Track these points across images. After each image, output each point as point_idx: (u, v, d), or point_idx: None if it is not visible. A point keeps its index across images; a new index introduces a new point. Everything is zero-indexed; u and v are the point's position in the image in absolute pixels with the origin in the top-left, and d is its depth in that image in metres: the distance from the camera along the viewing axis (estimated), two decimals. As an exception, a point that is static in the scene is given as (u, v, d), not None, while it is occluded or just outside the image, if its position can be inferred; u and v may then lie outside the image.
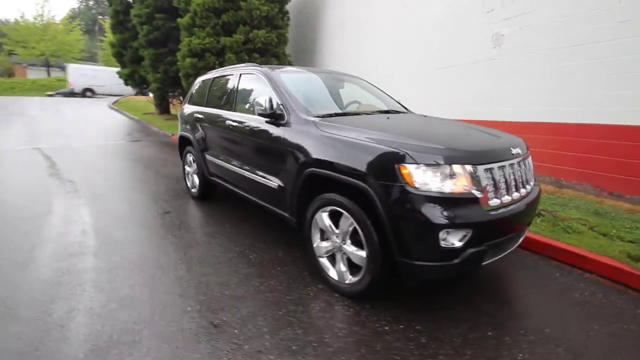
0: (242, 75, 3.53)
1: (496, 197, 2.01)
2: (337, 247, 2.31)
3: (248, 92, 3.33)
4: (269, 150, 2.85)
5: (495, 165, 2.02)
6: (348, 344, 1.88)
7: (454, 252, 1.88)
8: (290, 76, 3.17)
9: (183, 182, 5.24)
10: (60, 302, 2.20)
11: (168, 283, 2.47)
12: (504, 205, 2.04)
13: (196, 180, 4.41)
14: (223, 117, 3.58)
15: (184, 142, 4.68)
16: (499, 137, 2.39)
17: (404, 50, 7.16)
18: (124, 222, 3.61)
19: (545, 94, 4.80)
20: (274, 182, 2.82)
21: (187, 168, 4.65)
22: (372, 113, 3.08)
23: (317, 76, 3.50)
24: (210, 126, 3.85)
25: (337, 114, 2.79)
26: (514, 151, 2.20)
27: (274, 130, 2.78)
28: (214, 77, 4.11)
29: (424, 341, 1.90)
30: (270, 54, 11.68)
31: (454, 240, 1.86)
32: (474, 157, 1.97)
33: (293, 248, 3.08)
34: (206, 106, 4.09)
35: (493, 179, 2.01)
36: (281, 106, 2.76)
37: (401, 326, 2.03)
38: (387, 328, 2.01)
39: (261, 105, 2.77)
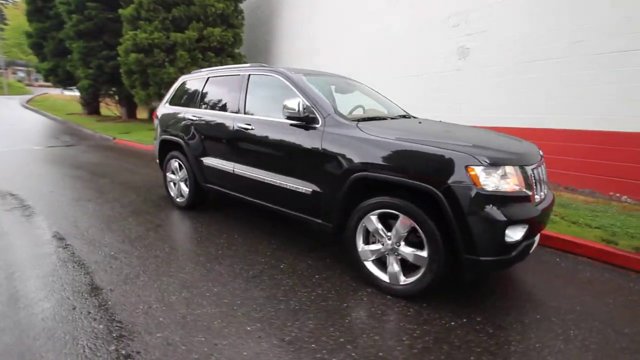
0: (251, 77, 3.35)
1: (537, 195, 2.25)
2: (389, 249, 2.35)
3: (264, 95, 3.17)
4: (300, 155, 2.75)
5: (534, 166, 2.27)
6: (428, 343, 1.93)
7: (513, 246, 2.06)
8: (309, 79, 3.11)
9: (153, 191, 4.78)
10: None
11: (213, 304, 2.24)
12: (540, 202, 2.29)
13: (184, 188, 4.04)
14: (230, 121, 3.34)
15: (166, 147, 4.25)
16: (523, 142, 2.67)
17: (380, 58, 7.46)
18: (117, 244, 3.14)
19: (508, 101, 5.45)
20: (306, 188, 2.73)
21: (171, 176, 4.23)
22: (397, 117, 3.17)
23: (328, 79, 3.48)
24: (210, 130, 3.55)
25: (367, 119, 2.83)
26: (541, 153, 2.49)
27: (307, 135, 2.70)
28: (209, 77, 3.81)
29: (491, 331, 2.04)
30: (226, 53, 11.21)
31: (515, 235, 2.04)
32: (523, 159, 2.18)
33: (319, 253, 3.02)
34: (200, 108, 3.78)
35: (534, 178, 2.24)
36: (313, 110, 2.70)
37: (464, 320, 2.14)
38: (453, 323, 2.10)
39: (291, 109, 2.68)
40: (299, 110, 2.64)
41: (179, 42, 10.11)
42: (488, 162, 2.02)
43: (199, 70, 4.24)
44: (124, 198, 4.56)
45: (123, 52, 10.27)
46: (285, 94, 2.93)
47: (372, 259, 2.45)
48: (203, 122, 3.66)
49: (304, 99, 2.72)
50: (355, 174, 2.39)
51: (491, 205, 1.99)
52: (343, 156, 2.47)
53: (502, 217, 1.99)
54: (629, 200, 4.40)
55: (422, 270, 2.22)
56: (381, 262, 2.47)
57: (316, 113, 2.69)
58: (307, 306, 2.25)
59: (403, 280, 2.32)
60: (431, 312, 2.21)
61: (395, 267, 2.34)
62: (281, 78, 3.07)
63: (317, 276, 2.65)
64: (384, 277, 2.41)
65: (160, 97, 10.95)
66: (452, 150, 2.09)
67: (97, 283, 2.44)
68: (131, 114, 14.66)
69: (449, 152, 2.09)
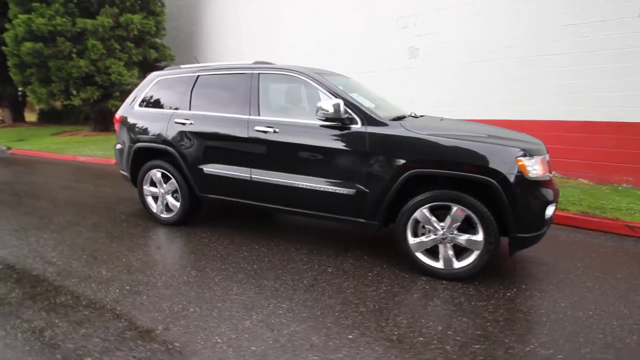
0: (261, 76, 3.11)
1: (550, 177, 2.73)
2: (442, 238, 2.54)
3: (283, 95, 2.99)
4: (341, 157, 2.73)
5: (547, 155, 2.72)
6: (504, 314, 2.17)
7: (547, 222, 2.46)
8: (333, 79, 3.05)
9: (115, 209, 4.15)
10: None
11: (295, 321, 2.09)
12: None
13: (173, 202, 3.56)
14: (243, 124, 3.06)
15: (142, 156, 3.65)
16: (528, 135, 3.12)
17: (333, 54, 7.56)
18: (124, 276, 2.64)
19: (456, 97, 6.20)
20: (348, 189, 2.72)
21: (151, 189, 3.67)
22: (417, 116, 3.31)
23: (338, 79, 3.44)
24: (214, 134, 3.19)
25: (399, 117, 2.94)
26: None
27: (347, 136, 2.69)
28: (199, 75, 3.39)
29: (538, 294, 2.41)
30: (147, 44, 9.94)
31: (549, 212, 2.44)
32: (543, 150, 2.58)
33: (354, 252, 3.05)
34: (192, 110, 3.35)
35: (548, 165, 2.70)
36: (351, 110, 2.69)
37: (514, 290, 2.46)
38: (509, 294, 2.40)
39: (327, 110, 2.64)
40: (339, 111, 2.61)
41: (89, 29, 8.52)
42: (529, 153, 2.37)
43: (176, 67, 3.73)
44: (84, 221, 3.78)
45: (11, 41, 8.16)
46: (311, 94, 2.84)
47: (424, 249, 2.62)
48: (202, 125, 3.26)
49: (341, 101, 2.68)
50: (409, 172, 2.50)
51: (535, 189, 2.35)
52: (394, 155, 2.55)
53: (544, 198, 2.37)
54: (557, 175, 5.52)
55: (476, 253, 2.47)
56: (429, 251, 2.66)
57: (354, 114, 2.70)
58: (384, 304, 2.30)
59: (457, 264, 2.55)
60: (487, 289, 2.48)
61: (449, 253, 2.55)
62: (304, 78, 2.96)
63: (369, 274, 2.70)
64: (437, 264, 2.59)
65: (68, 95, 9.12)
66: (501, 145, 2.37)
67: (141, 324, 2.04)
68: (18, 117, 11.80)
69: (499, 147, 2.37)
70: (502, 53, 5.55)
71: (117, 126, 3.90)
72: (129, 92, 10.61)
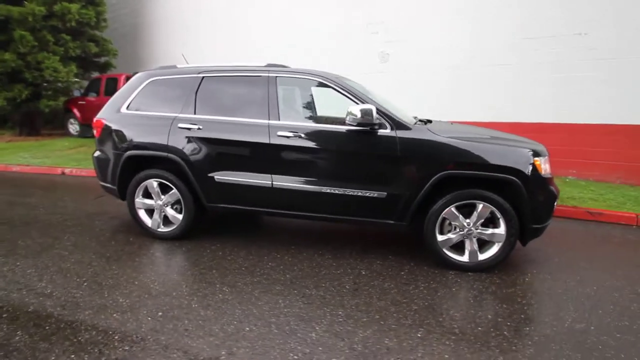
0: (279, 79, 3.00)
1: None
2: (468, 233, 2.74)
3: (304, 100, 2.91)
4: (372, 161, 2.79)
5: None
6: (533, 297, 2.45)
7: (553, 213, 2.81)
8: (352, 83, 3.08)
9: (92, 225, 3.75)
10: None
11: (360, 326, 2.07)
12: None
13: (174, 214, 3.26)
14: (264, 129, 2.93)
15: (133, 166, 3.26)
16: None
17: (305, 55, 7.48)
18: (149, 300, 2.36)
19: (425, 100, 6.63)
20: (379, 192, 2.78)
21: (146, 201, 3.30)
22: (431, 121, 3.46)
23: (352, 82, 3.44)
24: (229, 140, 3.00)
25: (421, 121, 3.08)
26: None
27: (377, 140, 2.76)
28: (204, 76, 3.13)
29: (550, 276, 2.75)
30: (86, 37, 8.81)
31: (555, 205, 2.79)
32: (546, 151, 2.94)
33: (376, 253, 3.11)
34: (199, 114, 3.09)
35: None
36: (381, 115, 2.74)
37: (531, 275, 2.78)
38: (528, 279, 2.71)
39: (355, 115, 2.68)
40: (371, 116, 2.66)
41: (15, 18, 7.22)
42: (541, 154, 2.68)
43: (170, 66, 3.40)
44: (61, 242, 3.25)
45: None
46: (334, 98, 2.84)
47: (450, 245, 2.80)
48: (213, 131, 3.04)
49: (374, 106, 2.72)
50: (440, 174, 2.65)
51: (546, 185, 2.68)
52: (425, 158, 2.68)
53: (553, 193, 2.71)
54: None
55: (499, 245, 2.72)
56: (453, 246, 2.84)
57: (384, 119, 2.77)
58: (431, 300, 2.42)
59: (481, 257, 2.78)
60: (508, 277, 2.74)
61: (475, 247, 2.76)
62: (328, 82, 2.95)
63: (401, 273, 2.79)
64: (462, 258, 2.80)
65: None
66: (519, 147, 2.66)
67: (200, 353, 1.84)
68: None
69: (518, 149, 2.65)
70: (466, 62, 6.12)
71: (96, 132, 3.42)
72: (65, 90, 9.34)
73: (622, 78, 5.05)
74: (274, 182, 2.96)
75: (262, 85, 3.02)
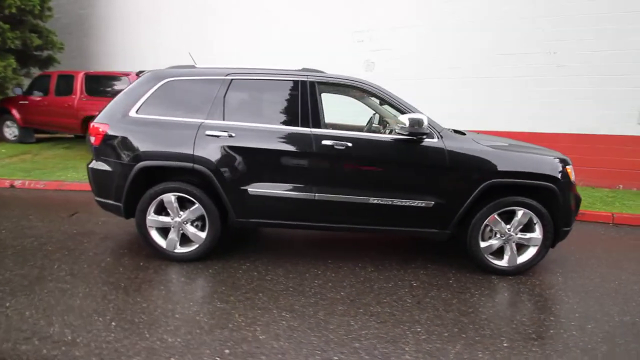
0: (317, 85, 2.83)
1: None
2: (508, 239, 2.84)
3: (345, 106, 2.77)
4: (422, 171, 2.78)
5: None
6: (587, 300, 2.59)
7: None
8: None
9: (85, 249, 3.23)
10: None
11: (445, 341, 2.02)
12: None
13: (195, 232, 2.89)
14: (307, 138, 2.74)
15: (146, 178, 2.83)
16: None
17: (288, 60, 7.25)
18: (205, 335, 2.04)
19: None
20: (427, 201, 2.77)
21: (162, 219, 2.89)
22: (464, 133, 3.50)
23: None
24: (268, 149, 2.74)
25: (459, 132, 3.14)
26: None
27: (426, 150, 2.75)
28: (232, 79, 2.83)
29: (560, 274, 2.97)
30: (28, 27, 7.59)
31: (579, 208, 3.03)
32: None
33: (416, 263, 3.09)
34: (229, 120, 2.79)
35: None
36: (430, 125, 2.73)
37: (562, 272, 2.97)
38: (569, 281, 2.88)
39: (404, 124, 2.66)
40: (422, 126, 2.64)
41: None
42: (569, 162, 2.90)
43: (188, 65, 3.03)
44: (51, 273, 2.71)
45: None
46: (372, 106, 2.78)
47: (492, 251, 2.89)
48: (248, 139, 2.77)
49: (425, 115, 2.70)
50: (487, 182, 2.72)
51: (574, 191, 2.90)
52: (473, 167, 2.73)
53: (580, 197, 2.95)
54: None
55: (535, 248, 2.87)
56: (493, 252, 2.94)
57: (432, 128, 2.76)
58: (494, 307, 2.49)
59: (519, 260, 2.90)
60: (544, 278, 2.90)
61: (514, 251, 2.88)
62: (370, 89, 2.91)
63: (450, 282, 2.80)
64: (502, 262, 2.90)
65: None
66: (553, 156, 2.84)
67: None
68: None
69: (553, 157, 2.84)
70: (449, 72, 6.48)
71: (96, 139, 2.90)
72: (0, 88, 7.90)
73: (587, 93, 5.77)
74: (317, 194, 2.79)
75: (301, 90, 2.83)
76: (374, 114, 3.76)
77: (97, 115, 2.98)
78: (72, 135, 8.16)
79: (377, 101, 3.56)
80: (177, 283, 2.66)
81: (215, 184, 2.77)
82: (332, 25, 7.08)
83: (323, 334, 2.08)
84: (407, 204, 2.80)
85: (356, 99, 3.77)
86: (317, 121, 2.81)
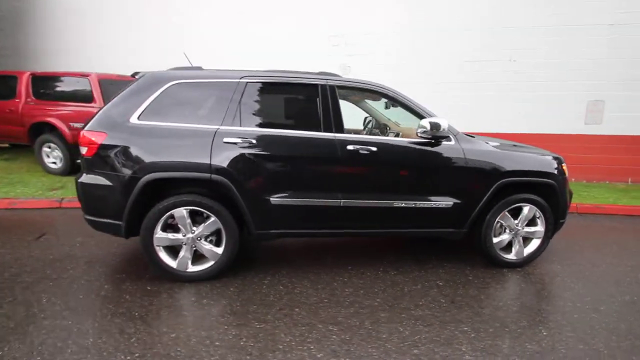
0: (337, 89, 2.75)
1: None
2: (516, 233, 3.04)
3: (366, 111, 2.72)
4: (443, 173, 2.85)
5: None
6: (604, 284, 2.85)
7: (568, 209, 3.38)
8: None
9: (60, 278, 2.87)
10: None
11: (495, 337, 2.09)
12: None
13: (210, 248, 2.66)
14: (332, 143, 2.66)
15: (152, 192, 2.53)
16: None
17: (267, 64, 6.99)
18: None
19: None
20: (446, 202, 2.85)
21: (171, 236, 2.60)
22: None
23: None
24: (292, 156, 2.61)
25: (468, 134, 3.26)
26: None
27: (444, 152, 2.83)
28: (247, 82, 2.63)
29: (588, 266, 3.27)
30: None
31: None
32: None
33: (433, 262, 3.17)
34: (244, 126, 2.59)
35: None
36: (449, 127, 2.81)
37: (568, 262, 3.24)
38: (580, 268, 3.15)
39: (425, 127, 2.73)
40: (442, 129, 2.71)
41: None
42: (563, 160, 3.18)
43: (194, 67, 2.76)
44: (43, 308, 2.30)
45: None
46: (372, 110, 2.83)
47: (502, 246, 3.06)
48: (270, 146, 2.61)
49: (445, 119, 2.76)
50: (501, 181, 2.88)
51: (568, 186, 3.19)
52: (489, 168, 2.87)
53: (571, 191, 3.25)
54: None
55: (537, 241, 3.11)
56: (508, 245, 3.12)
57: (450, 130, 2.85)
58: (518, 299, 2.63)
59: (525, 253, 3.12)
60: (545, 268, 3.14)
61: (521, 244, 3.09)
62: (389, 93, 2.94)
63: (470, 278, 2.91)
64: (510, 256, 3.09)
65: None
66: (551, 156, 3.10)
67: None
68: None
69: (551, 156, 3.09)
70: (423, 79, 6.79)
71: (88, 150, 2.51)
72: None
73: (541, 97, 6.43)
74: (342, 200, 2.72)
75: (321, 94, 2.74)
76: (370, 118, 3.82)
77: (87, 123, 2.60)
78: (7, 145, 7.08)
79: (379, 104, 3.63)
80: (199, 306, 2.40)
81: (235, 195, 2.57)
82: (307, 29, 7.03)
83: (379, 345, 2.04)
84: (429, 205, 2.86)
85: (354, 103, 3.80)
86: (340, 126, 2.74)
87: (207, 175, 2.54)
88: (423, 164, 2.85)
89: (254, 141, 2.60)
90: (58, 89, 5.40)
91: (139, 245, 3.20)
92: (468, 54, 6.60)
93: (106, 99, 5.34)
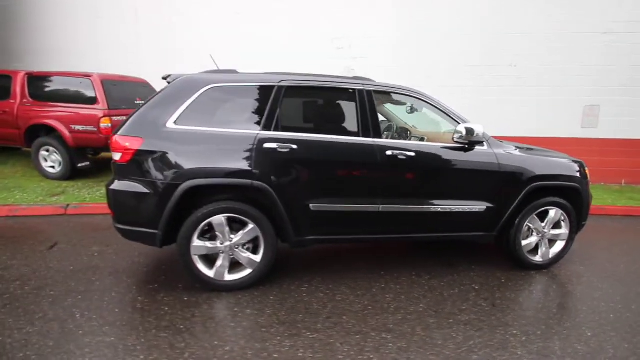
0: (374, 94, 2.74)
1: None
2: (543, 236, 3.11)
3: (401, 116, 2.72)
4: (479, 177, 2.88)
5: None
6: (631, 283, 2.96)
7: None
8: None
9: (88, 291, 2.81)
10: None
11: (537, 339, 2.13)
12: None
13: (249, 256, 2.59)
14: (372, 148, 2.64)
15: (190, 200, 2.44)
16: None
17: (270, 66, 6.87)
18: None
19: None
20: (479, 206, 2.89)
21: (209, 244, 2.52)
22: None
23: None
24: (334, 162, 2.58)
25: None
26: None
27: (478, 156, 2.87)
28: (286, 87, 2.58)
29: (608, 265, 3.38)
30: None
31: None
32: None
33: (461, 267, 3.21)
34: (283, 131, 2.54)
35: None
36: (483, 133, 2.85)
37: (589, 261, 3.35)
38: (605, 266, 3.26)
39: (461, 133, 2.77)
40: (477, 134, 2.75)
41: None
42: (585, 164, 3.29)
43: (229, 70, 2.67)
44: (77, 324, 2.14)
45: None
46: (391, 115, 2.85)
47: (532, 248, 3.13)
48: (311, 151, 2.58)
49: (480, 125, 2.79)
50: (531, 185, 2.94)
51: (589, 189, 3.31)
52: (520, 172, 2.93)
53: (591, 195, 3.36)
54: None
55: (562, 243, 3.19)
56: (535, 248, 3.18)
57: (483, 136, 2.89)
58: (555, 300, 2.69)
59: (551, 255, 3.20)
60: (570, 269, 3.23)
61: (547, 247, 3.16)
62: (423, 99, 2.95)
63: (503, 281, 2.96)
64: (537, 258, 3.17)
65: None
66: (575, 160, 3.19)
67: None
68: None
69: (574, 161, 3.18)
70: (424, 82, 6.86)
71: (123, 156, 2.39)
72: None
73: (540, 101, 6.65)
74: (381, 206, 2.71)
75: (359, 99, 2.72)
76: (390, 123, 3.83)
77: (120, 128, 2.48)
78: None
79: (401, 109, 3.65)
80: (244, 316, 2.33)
81: (276, 201, 2.51)
82: (310, 31, 7.01)
83: (437, 352, 2.03)
84: (463, 209, 2.89)
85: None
86: (378, 131, 2.74)
87: (248, 181, 2.47)
88: (458, 169, 2.87)
89: (294, 146, 2.55)
90: (57, 89, 5.13)
91: (160, 254, 3.14)
92: (470, 59, 6.74)
93: (110, 101, 5.16)
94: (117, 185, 2.47)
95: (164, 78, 2.72)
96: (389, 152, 2.70)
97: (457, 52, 6.77)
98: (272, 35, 7.09)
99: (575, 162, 3.25)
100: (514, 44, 6.52)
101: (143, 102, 2.78)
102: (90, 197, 4.76)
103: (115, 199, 2.49)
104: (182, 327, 2.18)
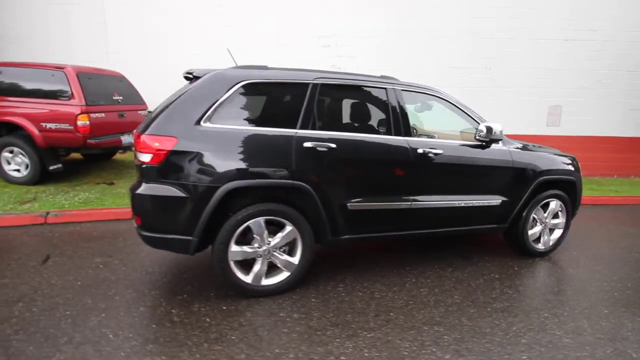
0: (404, 93, 2.78)
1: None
2: (545, 225, 3.39)
3: (429, 115, 2.78)
4: (496, 172, 3.06)
5: None
6: (610, 263, 3.30)
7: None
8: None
9: (120, 301, 2.69)
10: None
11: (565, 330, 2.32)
12: None
13: (287, 259, 2.52)
14: (405, 147, 2.68)
15: (229, 202, 2.31)
16: None
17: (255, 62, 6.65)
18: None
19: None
20: (496, 200, 3.08)
21: (246, 249, 2.40)
22: None
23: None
24: (371, 160, 2.59)
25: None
26: None
27: (495, 153, 3.05)
28: (321, 84, 2.51)
29: (594, 250, 3.74)
30: None
31: (578, 195, 3.84)
32: None
33: (475, 258, 3.38)
34: (319, 129, 2.48)
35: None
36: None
37: (580, 246, 3.68)
38: (598, 255, 3.59)
39: (482, 131, 2.92)
40: (496, 133, 2.92)
41: None
42: (577, 159, 3.63)
43: (259, 66, 2.54)
44: (129, 340, 1.95)
45: None
46: (449, 114, 2.97)
47: (536, 237, 3.40)
48: (349, 150, 2.55)
49: (499, 124, 2.96)
50: (539, 179, 3.19)
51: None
52: (530, 167, 3.16)
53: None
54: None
55: (560, 231, 3.50)
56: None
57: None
58: (567, 283, 2.94)
59: (550, 243, 3.49)
60: (569, 254, 3.55)
61: (548, 235, 3.45)
62: (449, 99, 3.07)
63: (516, 269, 3.18)
64: (540, 246, 3.45)
65: None
66: (569, 156, 3.51)
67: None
68: None
69: (569, 156, 3.49)
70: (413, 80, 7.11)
71: (154, 157, 2.17)
72: None
73: (511, 101, 7.19)
74: (413, 203, 2.77)
75: (389, 98, 2.75)
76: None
77: (147, 127, 2.26)
78: None
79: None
80: (293, 320, 2.26)
81: (316, 201, 2.46)
82: (295, 27, 6.91)
83: (490, 339, 2.14)
84: (483, 203, 3.06)
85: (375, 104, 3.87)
86: (408, 129, 2.79)
87: (289, 182, 2.39)
88: (479, 165, 3.03)
89: (332, 145, 2.51)
90: (23, 83, 4.51)
91: (173, 262, 2.95)
92: (453, 61, 7.09)
93: (87, 96, 4.67)
94: (146, 189, 2.26)
95: (187, 73, 2.52)
96: (420, 150, 2.77)
97: (442, 55, 7.08)
98: (254, 27, 6.89)
99: (571, 157, 3.59)
100: (489, 47, 6.99)
101: (145, 104, 2.56)
102: (69, 203, 4.28)
103: (143, 204, 2.27)
104: (234, 337, 2.06)
